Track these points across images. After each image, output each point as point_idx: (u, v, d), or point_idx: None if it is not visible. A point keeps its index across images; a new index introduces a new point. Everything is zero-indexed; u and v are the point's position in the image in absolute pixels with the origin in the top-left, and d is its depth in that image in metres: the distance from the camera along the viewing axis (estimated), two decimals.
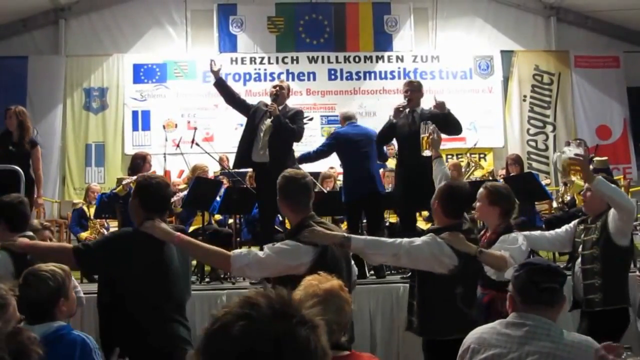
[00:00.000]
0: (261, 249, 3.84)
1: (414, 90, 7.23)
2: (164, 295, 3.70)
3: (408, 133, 6.90)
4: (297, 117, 7.17)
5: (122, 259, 3.66)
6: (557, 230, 5.31)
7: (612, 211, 4.71)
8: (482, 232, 4.72)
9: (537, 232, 5.42)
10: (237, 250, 3.83)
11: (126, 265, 3.64)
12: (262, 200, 6.90)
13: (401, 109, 7.11)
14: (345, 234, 3.87)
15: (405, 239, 4.05)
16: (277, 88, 7.20)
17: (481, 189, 4.67)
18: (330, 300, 2.61)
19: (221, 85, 7.34)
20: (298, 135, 7.14)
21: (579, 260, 4.93)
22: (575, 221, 5.17)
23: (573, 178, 4.74)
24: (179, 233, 3.72)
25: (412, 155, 6.47)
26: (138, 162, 7.98)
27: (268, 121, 7.01)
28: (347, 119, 7.82)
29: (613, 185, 4.72)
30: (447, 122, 6.83)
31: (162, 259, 3.77)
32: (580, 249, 4.95)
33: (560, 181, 9.96)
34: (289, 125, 6.96)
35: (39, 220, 5.29)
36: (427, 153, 5.45)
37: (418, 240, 4.01)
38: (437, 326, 4.04)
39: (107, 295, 3.74)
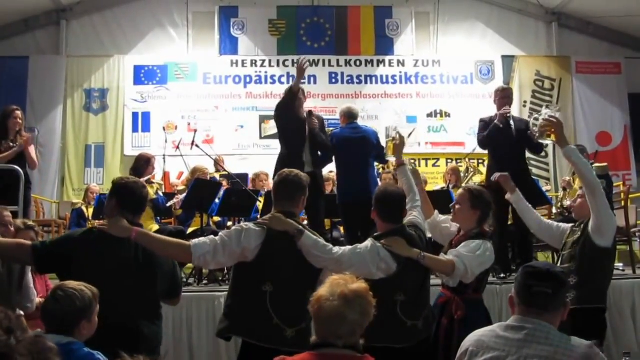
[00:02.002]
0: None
1: (510, 97, 7.79)
2: (119, 295, 3.60)
3: (506, 136, 7.33)
4: (324, 128, 7.35)
5: (77, 257, 3.69)
6: (554, 222, 5.40)
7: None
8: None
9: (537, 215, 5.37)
10: (197, 240, 3.86)
11: (81, 264, 3.65)
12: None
13: (508, 114, 7.49)
14: (301, 228, 3.91)
15: (349, 247, 4.10)
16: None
17: (462, 190, 4.62)
18: (356, 301, 2.63)
19: None
20: (330, 150, 7.37)
21: (559, 262, 4.95)
22: (572, 224, 5.17)
23: (548, 140, 4.68)
24: (136, 228, 3.74)
25: (507, 156, 7.20)
26: (141, 164, 7.92)
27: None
28: (349, 117, 7.73)
29: (584, 159, 4.70)
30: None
31: (119, 257, 3.78)
32: (562, 250, 4.97)
33: (560, 186, 9.95)
34: (328, 142, 7.23)
35: (23, 220, 5.26)
36: (391, 158, 5.36)
37: (360, 247, 4.03)
38: (370, 331, 4.06)
39: None
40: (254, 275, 3.85)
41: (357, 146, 7.39)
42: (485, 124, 7.59)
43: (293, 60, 13.05)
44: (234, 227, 3.97)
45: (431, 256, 4.13)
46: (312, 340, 2.68)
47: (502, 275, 7.20)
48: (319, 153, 7.37)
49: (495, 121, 7.44)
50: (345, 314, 2.59)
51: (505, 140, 7.30)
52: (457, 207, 4.55)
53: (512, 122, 7.46)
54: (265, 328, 3.76)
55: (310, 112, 7.25)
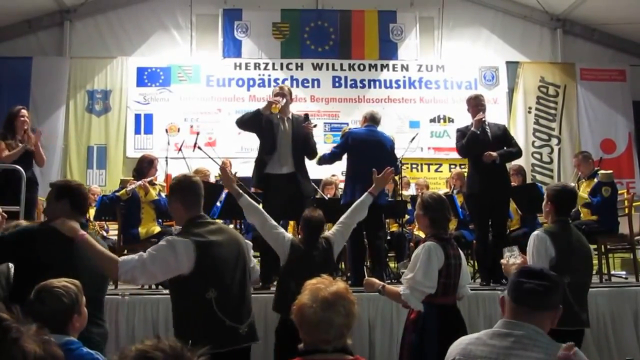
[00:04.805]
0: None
1: (484, 104, 7.79)
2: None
3: (483, 143, 7.41)
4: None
5: (33, 249, 3.80)
6: None
7: None
8: None
9: None
10: (126, 256, 3.93)
11: (37, 255, 3.75)
12: (271, 208, 6.61)
13: (484, 119, 7.57)
14: (241, 191, 4.95)
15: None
16: (284, 100, 7.08)
17: (419, 199, 4.84)
18: (339, 303, 2.59)
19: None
20: (314, 154, 7.31)
21: None
22: None
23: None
24: (83, 232, 3.84)
25: (485, 162, 7.30)
26: (144, 166, 7.91)
27: (282, 130, 6.98)
28: (370, 120, 7.65)
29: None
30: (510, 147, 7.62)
31: (72, 253, 3.83)
32: None
33: None
34: (314, 146, 7.17)
35: (27, 223, 5.28)
36: None
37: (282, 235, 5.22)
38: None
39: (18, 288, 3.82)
40: (195, 286, 3.88)
41: (371, 148, 7.31)
42: (462, 133, 7.72)
43: (296, 64, 13.07)
44: (160, 242, 3.99)
45: (388, 289, 4.59)
46: (300, 347, 2.63)
47: (484, 283, 7.23)
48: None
49: (472, 129, 7.49)
50: (331, 319, 2.56)
51: (482, 147, 7.35)
52: (415, 213, 4.89)
53: (487, 129, 7.49)
54: (219, 333, 3.84)
55: (306, 116, 7.18)
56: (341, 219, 5.48)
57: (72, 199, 4.06)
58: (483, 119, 7.51)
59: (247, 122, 7.05)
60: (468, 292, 4.78)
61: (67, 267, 3.68)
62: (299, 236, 5.60)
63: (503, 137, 7.57)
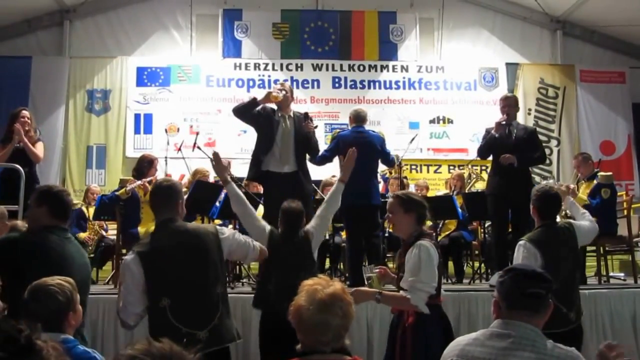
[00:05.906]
0: None
1: (510, 105, 7.68)
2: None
3: (505, 145, 7.41)
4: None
5: (15, 260, 3.76)
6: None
7: None
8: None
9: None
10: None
11: (20, 267, 3.71)
12: (271, 207, 6.63)
13: (503, 122, 7.52)
14: (229, 179, 5.05)
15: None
16: (283, 92, 7.08)
17: (391, 199, 4.57)
18: (336, 305, 2.59)
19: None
20: (316, 153, 7.34)
21: None
22: None
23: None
24: None
25: (508, 165, 7.26)
26: (144, 165, 7.92)
27: (284, 128, 6.98)
28: (355, 120, 7.71)
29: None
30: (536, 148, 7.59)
31: (55, 262, 3.80)
32: None
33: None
34: (316, 144, 7.22)
35: (23, 222, 5.29)
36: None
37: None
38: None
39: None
40: (149, 295, 3.90)
41: (360, 150, 7.31)
42: (487, 133, 7.67)
43: (296, 64, 13.06)
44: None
45: (387, 295, 4.28)
46: (298, 348, 2.62)
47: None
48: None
49: (492, 132, 7.50)
50: (327, 321, 2.56)
51: (503, 149, 7.31)
52: (391, 216, 4.54)
53: (514, 130, 7.48)
54: (177, 341, 3.77)
55: (306, 114, 7.20)
56: (318, 212, 5.46)
57: (51, 206, 4.02)
58: (503, 122, 7.50)
59: (242, 109, 7.09)
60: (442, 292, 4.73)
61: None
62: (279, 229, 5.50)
63: (528, 141, 7.50)
